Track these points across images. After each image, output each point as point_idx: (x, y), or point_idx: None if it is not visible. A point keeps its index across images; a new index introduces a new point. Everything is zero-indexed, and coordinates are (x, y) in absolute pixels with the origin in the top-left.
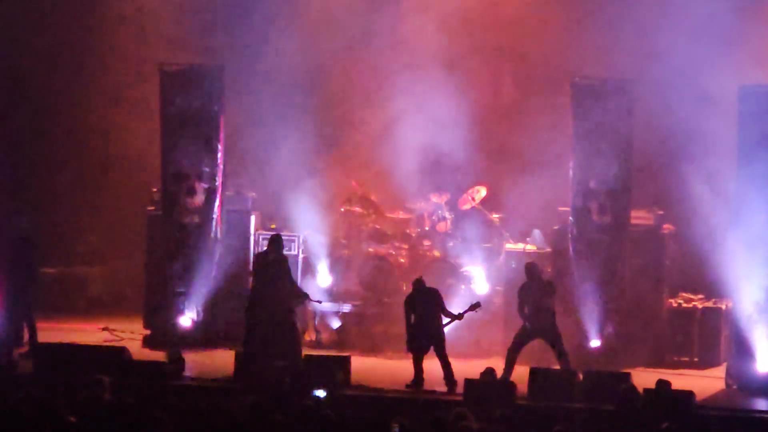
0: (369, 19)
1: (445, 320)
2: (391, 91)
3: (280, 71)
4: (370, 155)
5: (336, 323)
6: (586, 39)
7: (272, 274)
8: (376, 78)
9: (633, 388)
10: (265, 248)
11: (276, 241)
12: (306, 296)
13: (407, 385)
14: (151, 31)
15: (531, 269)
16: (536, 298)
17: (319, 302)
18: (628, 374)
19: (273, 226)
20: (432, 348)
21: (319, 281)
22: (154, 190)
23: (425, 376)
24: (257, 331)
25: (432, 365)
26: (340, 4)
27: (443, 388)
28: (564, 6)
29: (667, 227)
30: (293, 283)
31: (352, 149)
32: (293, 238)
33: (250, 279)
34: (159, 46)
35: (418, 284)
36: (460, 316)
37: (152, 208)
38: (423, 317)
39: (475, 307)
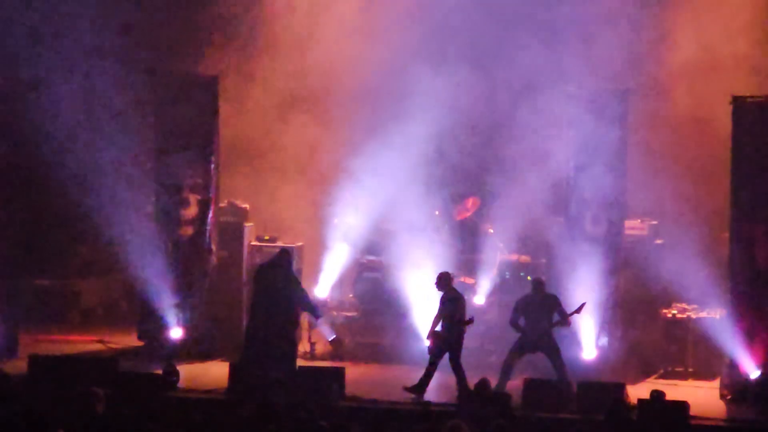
0: (363, 27)
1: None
2: (385, 101)
3: (274, 81)
4: (363, 166)
5: (330, 335)
6: (579, 47)
7: (277, 287)
8: (371, 86)
9: (621, 399)
10: (268, 260)
11: (285, 255)
12: (318, 315)
13: (405, 387)
14: (145, 41)
15: (538, 284)
16: (538, 312)
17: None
18: (623, 385)
19: (267, 238)
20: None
21: (315, 292)
22: (148, 201)
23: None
24: (256, 342)
25: (416, 376)
26: (333, 12)
27: (440, 400)
28: (554, 14)
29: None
30: (306, 298)
31: (345, 160)
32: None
33: (245, 290)
34: (153, 55)
35: (446, 284)
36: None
37: (146, 219)
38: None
39: (468, 322)
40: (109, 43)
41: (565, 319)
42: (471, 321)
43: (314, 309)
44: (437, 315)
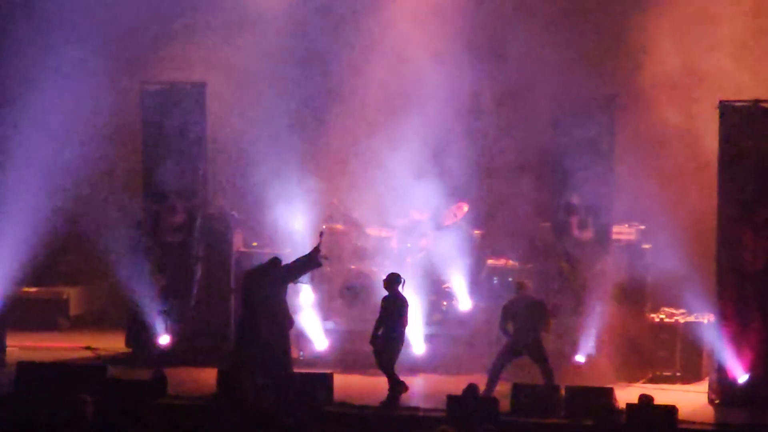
0: (351, 37)
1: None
2: (374, 107)
3: (262, 88)
4: (352, 172)
5: (322, 343)
6: (569, 54)
7: (265, 293)
8: (358, 94)
9: (611, 404)
10: (256, 266)
11: (274, 263)
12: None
13: (382, 403)
14: (132, 49)
15: (522, 287)
16: (523, 316)
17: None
18: (611, 389)
19: (255, 245)
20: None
21: (302, 298)
22: (136, 208)
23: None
24: (245, 348)
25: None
26: (323, 22)
27: (426, 404)
28: (546, 19)
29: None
30: (299, 266)
31: (334, 165)
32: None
33: (232, 296)
34: (140, 63)
35: (393, 286)
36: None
37: (134, 226)
38: (392, 322)
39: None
40: (98, 50)
41: (546, 324)
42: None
43: (308, 263)
44: (380, 318)
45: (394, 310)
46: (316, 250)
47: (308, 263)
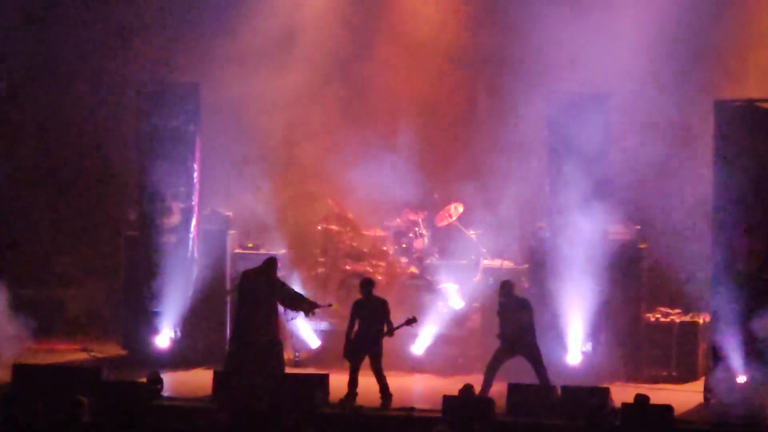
0: (342, 38)
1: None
2: (368, 109)
3: (256, 90)
4: (346, 173)
5: (314, 342)
6: (561, 52)
7: (261, 293)
8: (351, 97)
9: (602, 404)
10: (253, 267)
11: (271, 264)
12: (312, 306)
13: (340, 400)
14: (126, 50)
15: (505, 287)
16: (513, 315)
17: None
18: (607, 389)
19: (250, 245)
20: (368, 358)
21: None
22: (130, 210)
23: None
24: (242, 351)
25: (400, 382)
26: (316, 26)
27: (422, 405)
28: (539, 19)
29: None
30: (295, 295)
31: (328, 167)
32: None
33: (228, 298)
34: (134, 65)
35: (368, 290)
36: (390, 332)
37: (128, 228)
38: (366, 326)
39: (410, 322)
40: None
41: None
42: (414, 320)
43: (303, 303)
44: (353, 321)
45: (383, 311)
46: (313, 305)
47: (298, 304)
